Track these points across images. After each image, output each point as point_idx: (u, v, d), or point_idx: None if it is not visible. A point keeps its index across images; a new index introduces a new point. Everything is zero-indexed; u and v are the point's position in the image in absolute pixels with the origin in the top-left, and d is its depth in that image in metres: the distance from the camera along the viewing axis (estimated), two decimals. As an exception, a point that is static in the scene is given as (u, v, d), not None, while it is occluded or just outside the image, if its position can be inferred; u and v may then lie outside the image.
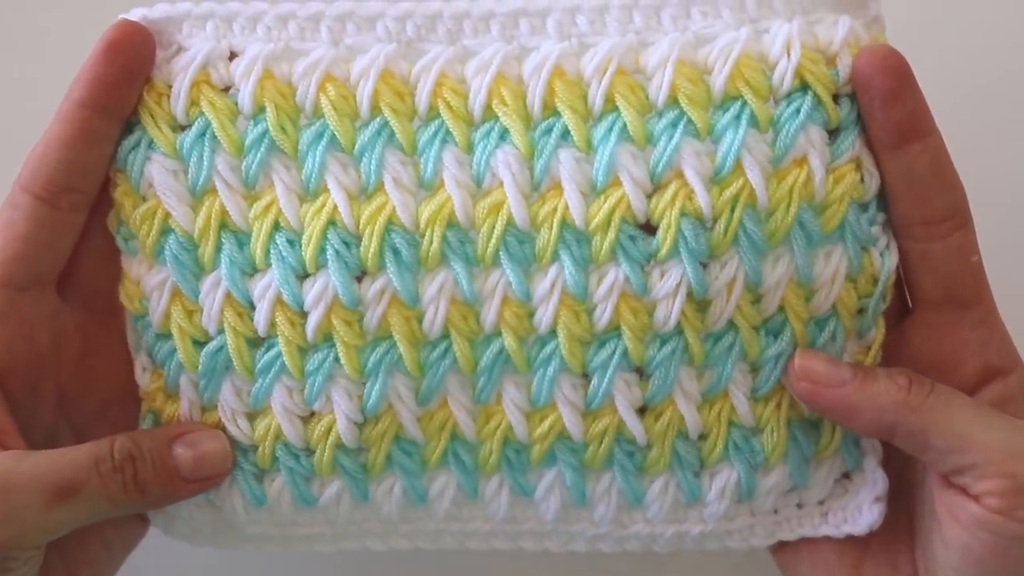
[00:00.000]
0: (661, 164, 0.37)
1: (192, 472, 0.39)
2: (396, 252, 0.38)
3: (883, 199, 0.39)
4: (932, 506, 0.39)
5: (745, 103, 0.37)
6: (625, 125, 0.37)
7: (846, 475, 0.42)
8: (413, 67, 0.38)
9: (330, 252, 0.38)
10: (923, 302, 0.40)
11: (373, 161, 0.38)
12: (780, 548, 0.43)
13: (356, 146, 0.38)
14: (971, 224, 0.39)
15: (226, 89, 0.39)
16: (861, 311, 0.40)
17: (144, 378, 0.41)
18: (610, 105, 0.38)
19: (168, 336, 0.40)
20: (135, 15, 0.39)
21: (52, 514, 0.36)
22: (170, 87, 0.38)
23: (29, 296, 0.39)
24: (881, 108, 0.38)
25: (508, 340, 0.38)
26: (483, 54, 0.38)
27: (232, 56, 0.39)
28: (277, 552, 0.44)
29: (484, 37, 0.38)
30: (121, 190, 0.39)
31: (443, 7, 0.38)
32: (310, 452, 0.40)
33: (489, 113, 0.38)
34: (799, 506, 0.42)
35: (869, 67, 0.37)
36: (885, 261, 0.39)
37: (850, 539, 0.41)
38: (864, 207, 0.39)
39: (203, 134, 0.38)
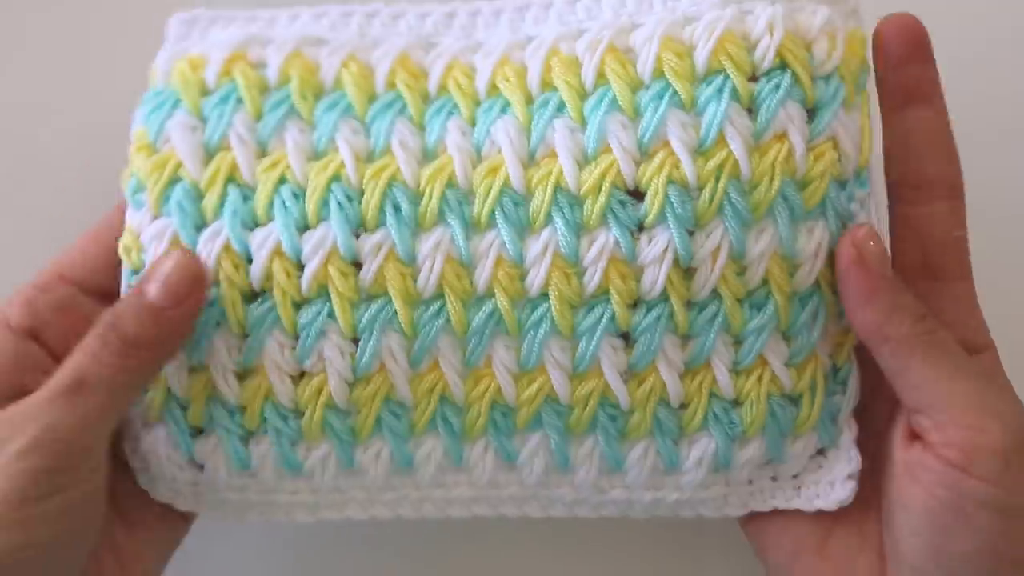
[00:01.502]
0: (648, 133, 0.39)
1: (166, 298, 0.38)
2: (396, 208, 0.39)
3: (862, 177, 0.41)
4: (894, 470, 0.40)
5: (727, 77, 0.39)
6: (615, 96, 0.39)
7: (821, 451, 0.43)
8: (428, 53, 0.41)
9: (332, 204, 0.39)
10: (903, 268, 0.41)
11: (383, 126, 0.40)
12: (749, 518, 0.44)
13: (368, 114, 0.40)
14: (961, 201, 0.41)
15: (258, 67, 0.41)
16: None
17: None
18: (602, 80, 0.40)
19: None
20: (185, 18, 0.42)
21: (75, 410, 0.36)
22: (208, 60, 0.41)
23: None
24: (892, 69, 0.40)
25: (500, 301, 0.39)
26: (490, 43, 0.41)
27: (269, 44, 0.42)
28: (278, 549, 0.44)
29: (493, 30, 0.42)
30: (138, 144, 0.41)
31: (460, 6, 0.42)
32: (299, 414, 0.40)
33: (493, 91, 0.40)
34: (773, 479, 0.43)
35: (890, 32, 0.40)
36: None
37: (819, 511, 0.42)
38: (843, 184, 0.41)
39: (227, 98, 0.40)
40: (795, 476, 0.43)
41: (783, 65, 0.39)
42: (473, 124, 0.40)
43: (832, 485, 0.43)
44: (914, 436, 0.39)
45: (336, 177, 0.39)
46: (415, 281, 0.39)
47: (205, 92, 0.41)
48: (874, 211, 0.42)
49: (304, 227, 0.39)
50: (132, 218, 0.41)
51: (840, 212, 0.40)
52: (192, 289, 0.38)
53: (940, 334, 0.39)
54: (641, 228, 0.39)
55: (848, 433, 0.43)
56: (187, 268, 0.38)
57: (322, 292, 0.39)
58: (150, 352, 0.38)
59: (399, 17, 0.42)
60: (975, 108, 0.45)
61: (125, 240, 0.40)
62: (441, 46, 0.41)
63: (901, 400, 0.40)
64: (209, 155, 0.40)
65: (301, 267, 0.39)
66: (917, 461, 0.39)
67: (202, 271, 0.38)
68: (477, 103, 0.40)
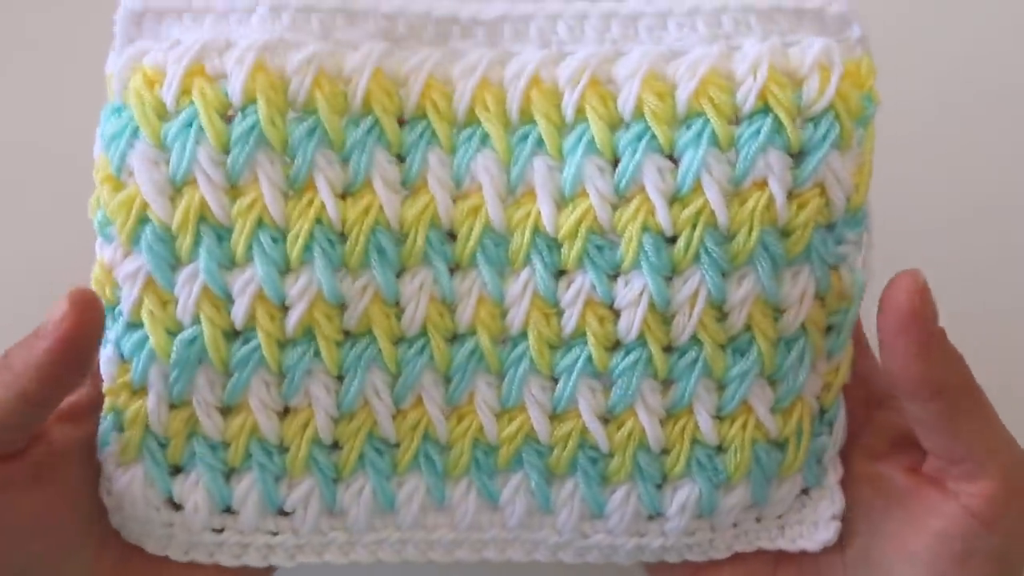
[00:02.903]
0: (625, 179, 0.39)
1: (45, 328, 0.37)
2: (381, 251, 0.39)
3: (857, 217, 0.40)
4: (890, 513, 0.40)
5: (707, 121, 0.39)
6: (593, 138, 0.39)
7: (805, 491, 0.43)
8: (402, 66, 0.39)
9: (316, 250, 0.39)
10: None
11: (363, 160, 0.39)
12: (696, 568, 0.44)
13: (347, 144, 0.39)
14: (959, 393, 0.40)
15: (218, 80, 0.39)
16: (830, 329, 0.41)
17: (110, 371, 0.40)
18: (582, 115, 0.39)
19: (138, 326, 0.39)
20: (130, 11, 0.39)
21: None
22: (164, 75, 0.38)
23: None
24: (901, 369, 0.38)
25: (482, 339, 0.40)
26: (469, 58, 0.40)
27: (228, 47, 0.39)
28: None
29: (470, 40, 0.40)
30: (102, 175, 0.39)
31: (432, 7, 0.39)
32: (284, 450, 0.41)
33: (472, 116, 0.40)
34: (758, 520, 0.43)
35: (890, 328, 0.38)
36: (856, 278, 0.41)
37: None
38: (831, 228, 0.40)
39: (189, 124, 0.38)
40: (779, 516, 0.43)
41: (766, 108, 0.39)
42: (452, 152, 0.40)
43: (816, 525, 0.43)
44: (925, 482, 0.40)
45: (318, 220, 0.39)
46: (399, 320, 0.40)
47: (164, 115, 0.38)
48: (866, 248, 0.41)
49: (285, 269, 0.39)
50: (103, 252, 0.39)
51: (827, 258, 0.40)
52: (67, 311, 0.37)
53: (977, 383, 0.39)
54: (618, 272, 0.40)
55: (833, 474, 0.42)
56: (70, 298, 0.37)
57: (307, 333, 0.39)
58: (24, 375, 0.37)
59: (367, 15, 0.39)
60: (973, 108, 0.45)
61: (97, 274, 0.40)
62: (417, 57, 0.39)
63: (931, 449, 0.40)
64: (176, 190, 0.38)
65: (284, 308, 0.39)
66: (930, 508, 0.39)
67: (88, 293, 0.38)
68: (455, 127, 0.40)
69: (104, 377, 0.40)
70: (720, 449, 0.41)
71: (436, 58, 0.40)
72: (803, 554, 0.43)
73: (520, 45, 0.40)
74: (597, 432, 0.40)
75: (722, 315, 0.40)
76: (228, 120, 0.39)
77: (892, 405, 0.44)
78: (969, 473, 0.39)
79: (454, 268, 0.40)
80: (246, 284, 0.39)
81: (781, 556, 0.43)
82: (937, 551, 0.39)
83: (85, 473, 0.41)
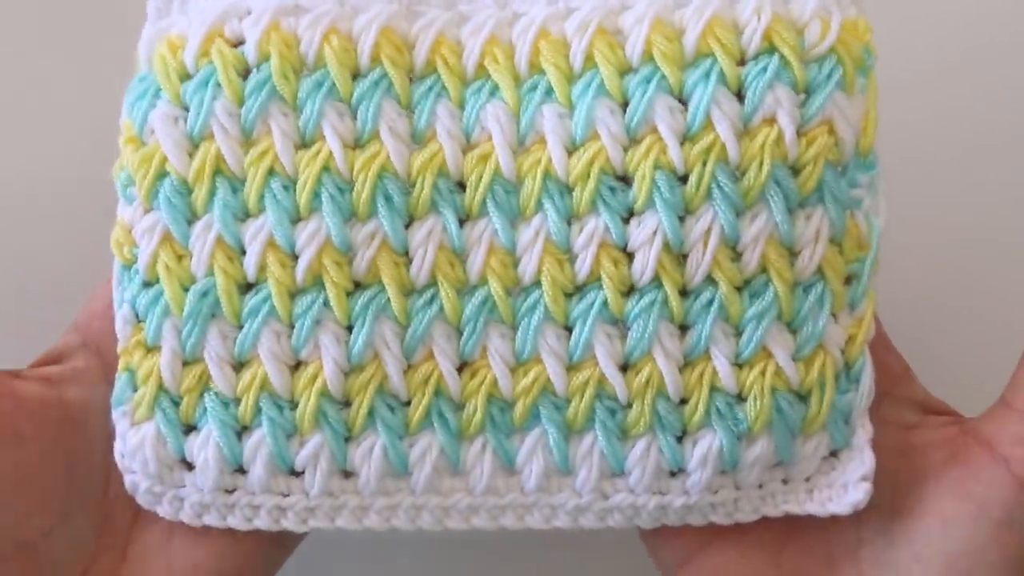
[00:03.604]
0: (636, 119, 0.39)
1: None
2: (388, 198, 0.39)
3: (868, 160, 0.40)
4: (926, 484, 0.40)
5: (715, 60, 0.39)
6: (603, 81, 0.39)
7: (833, 453, 0.42)
8: (412, 27, 0.40)
9: (324, 196, 0.39)
10: None
11: (370, 110, 0.39)
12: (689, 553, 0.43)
13: (354, 96, 0.40)
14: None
15: (238, 44, 0.40)
16: (850, 279, 0.41)
17: (125, 331, 0.41)
18: (590, 63, 0.40)
19: (154, 283, 0.40)
20: None
21: None
22: (187, 41, 0.40)
23: None
24: None
25: (494, 287, 0.39)
26: (477, 18, 0.41)
27: (248, 14, 0.40)
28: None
29: (479, 2, 0.41)
30: (126, 136, 0.41)
31: None
32: (294, 405, 0.40)
33: (481, 71, 0.40)
34: (784, 482, 0.41)
35: None
36: (873, 224, 0.40)
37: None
38: (843, 169, 0.40)
39: (207, 82, 0.40)
40: (808, 479, 0.41)
41: (771, 48, 0.39)
42: (461, 106, 0.40)
43: (845, 488, 0.41)
44: (973, 443, 0.40)
45: (326, 168, 0.39)
46: (408, 270, 0.40)
47: (185, 76, 0.40)
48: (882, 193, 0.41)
49: (296, 218, 0.40)
50: (124, 212, 0.41)
51: (840, 198, 0.40)
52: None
53: None
54: (632, 213, 0.40)
55: (862, 433, 0.41)
56: None
57: (316, 282, 0.39)
58: None
59: None
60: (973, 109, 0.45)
61: (116, 235, 0.41)
62: (426, 17, 0.40)
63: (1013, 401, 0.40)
64: (194, 145, 0.40)
65: (295, 257, 0.40)
66: (975, 473, 0.39)
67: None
68: (465, 83, 0.40)
69: (119, 338, 0.41)
70: (740, 398, 0.40)
71: (445, 19, 0.41)
72: (814, 527, 0.41)
73: (528, 6, 0.41)
74: (615, 379, 0.39)
75: (736, 255, 0.40)
76: (245, 78, 0.40)
77: (912, 379, 0.43)
78: None
79: (464, 218, 0.40)
80: (258, 231, 0.39)
81: (791, 531, 0.42)
82: (975, 516, 0.38)
83: (75, 437, 0.41)
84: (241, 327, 0.40)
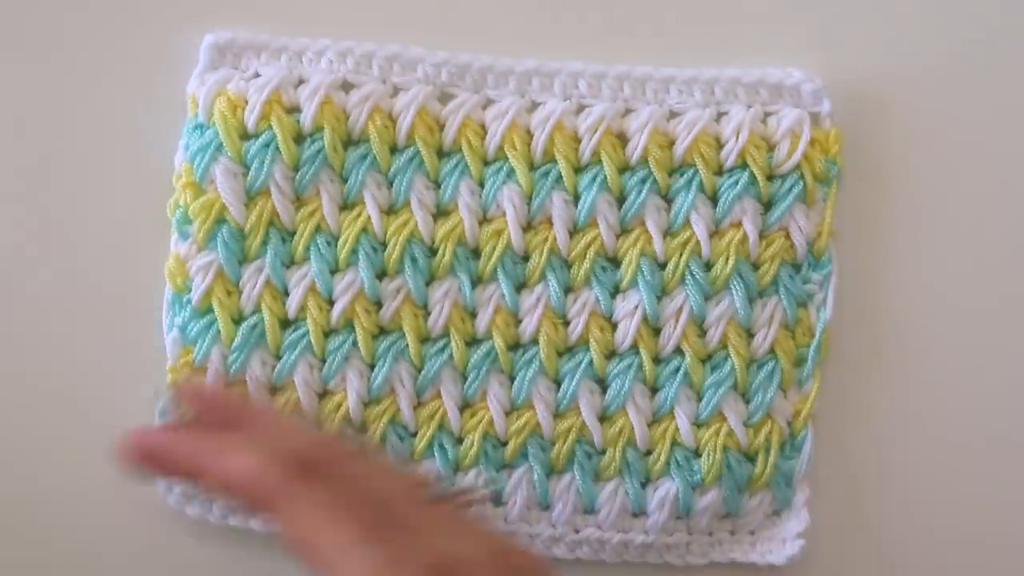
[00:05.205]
0: (630, 214, 0.47)
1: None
2: (414, 260, 0.47)
3: (820, 260, 0.48)
4: None
5: (697, 171, 0.47)
6: (605, 178, 0.47)
7: (776, 512, 0.49)
8: (444, 107, 0.47)
9: (361, 253, 0.46)
10: None
11: (404, 183, 0.47)
12: None
13: (391, 169, 0.47)
14: None
15: (291, 111, 0.47)
16: (800, 361, 0.48)
17: (174, 352, 0.47)
18: (596, 158, 0.47)
19: (205, 313, 0.46)
20: (217, 42, 0.47)
21: None
22: (246, 101, 0.46)
23: None
24: None
25: (497, 342, 0.47)
26: (501, 104, 0.48)
27: (300, 83, 0.47)
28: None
29: (503, 89, 0.48)
30: (185, 180, 0.46)
31: (472, 60, 0.47)
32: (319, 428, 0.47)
33: (500, 153, 0.48)
34: (732, 532, 0.48)
35: None
36: (821, 315, 0.48)
37: None
38: (797, 267, 0.48)
39: (267, 145, 0.46)
40: (752, 532, 0.48)
41: (744, 165, 0.47)
42: (481, 184, 0.47)
43: (784, 542, 0.48)
44: None
45: (364, 230, 0.47)
46: (426, 321, 0.47)
47: (244, 135, 0.46)
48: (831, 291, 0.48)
49: (335, 269, 0.47)
50: (178, 246, 0.47)
51: (793, 291, 0.47)
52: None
53: None
54: (618, 290, 0.47)
55: (801, 496, 0.48)
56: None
57: (348, 324, 0.47)
58: None
59: (416, 63, 0.47)
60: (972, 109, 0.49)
61: (170, 265, 0.47)
62: (456, 101, 0.47)
63: None
64: (250, 198, 0.46)
65: (331, 302, 0.47)
66: None
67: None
68: (485, 163, 0.47)
69: (169, 357, 0.47)
70: (697, 453, 0.47)
71: (473, 102, 0.48)
72: None
73: (545, 96, 0.48)
74: (594, 428, 0.47)
75: (702, 332, 0.47)
76: (297, 141, 0.47)
77: None
78: None
79: (476, 281, 0.47)
80: (302, 278, 0.46)
81: None
82: None
83: None
84: (279, 357, 0.47)
